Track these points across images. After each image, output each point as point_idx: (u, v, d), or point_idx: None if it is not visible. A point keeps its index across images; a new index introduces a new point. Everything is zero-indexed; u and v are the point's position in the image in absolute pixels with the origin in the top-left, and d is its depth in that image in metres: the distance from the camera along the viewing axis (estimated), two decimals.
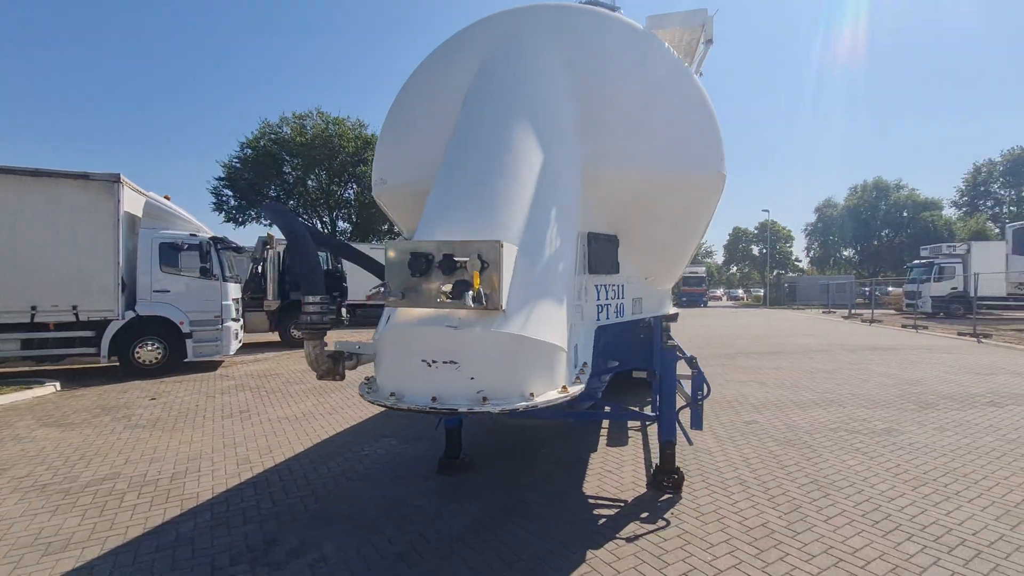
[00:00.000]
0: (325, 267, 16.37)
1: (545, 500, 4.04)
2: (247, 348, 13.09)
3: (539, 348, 1.96)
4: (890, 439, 5.56)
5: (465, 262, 1.85)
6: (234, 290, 11.25)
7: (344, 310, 16.38)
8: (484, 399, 1.86)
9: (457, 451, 4.69)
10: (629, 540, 3.39)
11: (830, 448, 5.25)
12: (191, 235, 10.49)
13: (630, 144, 3.19)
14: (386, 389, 1.98)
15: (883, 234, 57.82)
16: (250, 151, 33.42)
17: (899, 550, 3.24)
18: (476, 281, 1.80)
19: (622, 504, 3.97)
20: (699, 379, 4.27)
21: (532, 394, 1.89)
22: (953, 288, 26.43)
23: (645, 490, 4.24)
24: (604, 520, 3.71)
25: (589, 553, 3.22)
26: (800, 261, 66.84)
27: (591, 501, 4.05)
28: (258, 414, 6.83)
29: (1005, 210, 56.36)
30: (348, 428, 6.15)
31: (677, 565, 3.07)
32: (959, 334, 16.98)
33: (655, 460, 4.93)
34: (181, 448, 5.38)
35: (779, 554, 3.20)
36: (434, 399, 1.88)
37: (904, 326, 20.53)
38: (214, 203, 35.04)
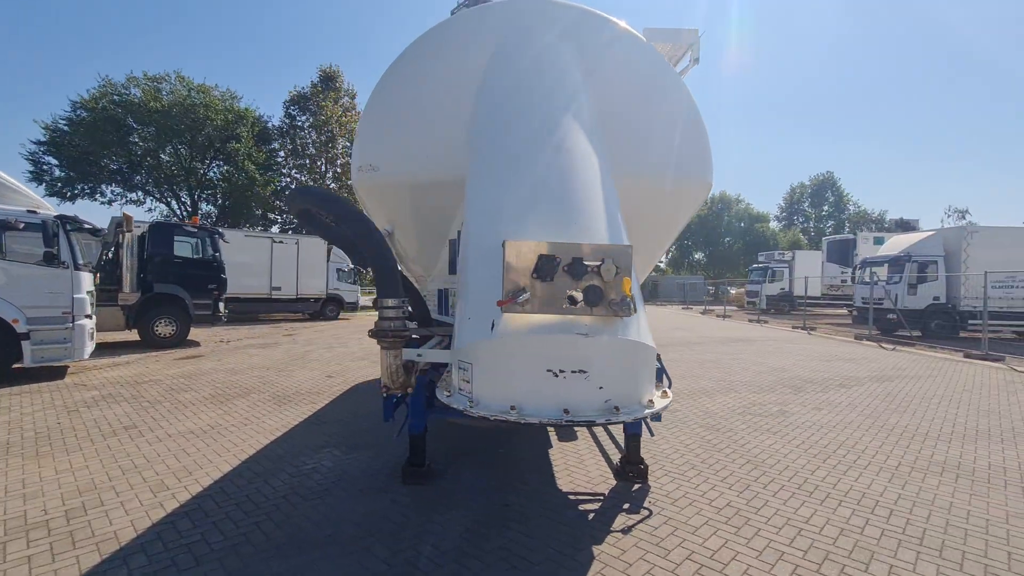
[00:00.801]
0: (198, 255, 14.33)
1: (527, 501, 4.01)
2: (99, 349, 10.93)
3: (650, 354, 1.94)
4: (786, 419, 6.49)
5: (596, 266, 1.75)
6: (88, 281, 9.32)
7: (222, 305, 14.53)
8: (616, 408, 1.80)
9: (422, 458, 4.44)
10: (624, 532, 3.52)
11: (746, 430, 5.97)
12: (29, 211, 8.47)
13: (638, 153, 3.30)
14: (500, 402, 1.78)
15: (726, 240, 67.11)
16: (85, 113, 27.68)
17: (838, 515, 3.81)
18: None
19: (601, 497, 4.11)
20: (660, 372, 4.58)
21: (651, 401, 1.87)
22: (782, 289, 31.67)
23: (615, 481, 4.44)
24: (592, 515, 3.80)
25: (595, 549, 3.28)
26: (661, 262, 74.76)
27: (572, 498, 4.12)
28: (151, 430, 5.76)
29: (812, 225, 69.12)
30: (274, 440, 5.48)
31: (677, 551, 3.27)
32: (793, 327, 20.37)
33: (609, 451, 5.19)
34: (63, 478, 4.34)
35: (753, 530, 3.57)
36: (566, 411, 1.76)
37: (751, 320, 24.01)
38: (31, 172, 28.53)
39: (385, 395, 4.74)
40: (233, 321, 19.41)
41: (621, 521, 3.70)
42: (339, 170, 34.71)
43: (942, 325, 17.08)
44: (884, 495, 4.19)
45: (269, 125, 35.57)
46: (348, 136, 34.53)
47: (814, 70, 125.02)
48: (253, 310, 21.98)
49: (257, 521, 3.62)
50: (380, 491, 4.16)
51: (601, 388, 1.77)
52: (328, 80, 35.22)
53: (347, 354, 11.88)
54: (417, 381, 4.52)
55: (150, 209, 32.63)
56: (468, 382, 1.82)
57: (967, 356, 12.47)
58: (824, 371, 10.16)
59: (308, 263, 23.41)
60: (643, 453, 5.02)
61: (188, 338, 13.63)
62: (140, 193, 31.61)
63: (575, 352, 1.74)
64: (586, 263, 1.72)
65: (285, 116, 35.87)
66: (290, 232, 29.59)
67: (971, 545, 3.40)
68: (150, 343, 12.70)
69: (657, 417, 4.70)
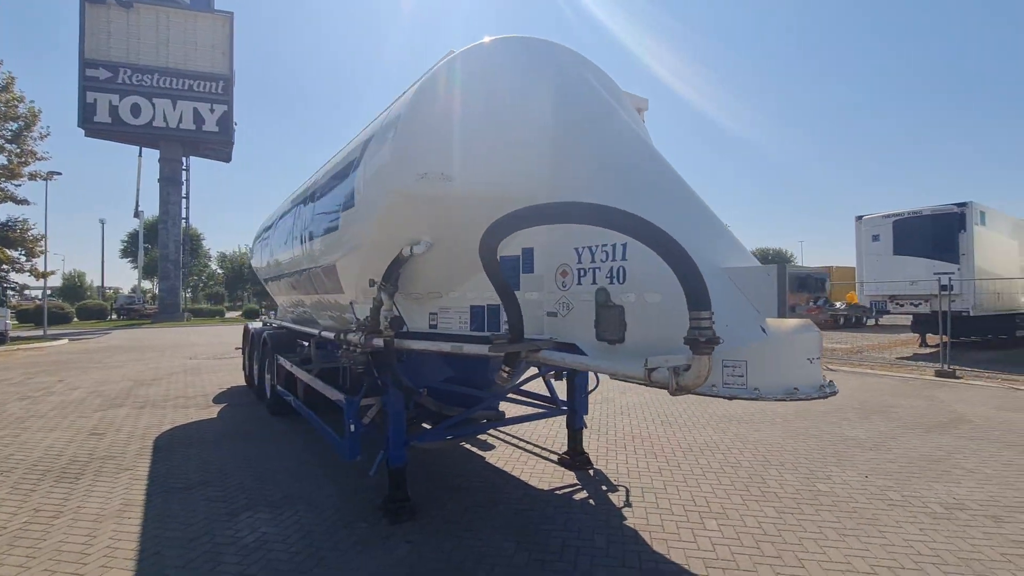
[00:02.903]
0: None
1: (530, 507, 4.19)
2: None
3: None
4: (615, 405, 8.22)
5: (822, 282, 2.39)
6: None
7: None
8: (831, 381, 2.43)
9: (405, 491, 4.08)
10: (629, 506, 4.18)
11: (603, 417, 7.36)
12: None
13: None
14: (781, 388, 2.21)
15: None
16: None
17: (719, 460, 5.35)
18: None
19: (579, 486, 4.64)
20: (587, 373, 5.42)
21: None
22: None
23: (570, 472, 5.01)
24: (593, 502, 4.31)
25: (627, 525, 3.84)
26: None
27: (559, 493, 4.51)
28: None
29: None
30: (139, 525, 3.94)
31: (677, 507, 4.13)
32: None
33: (530, 449, 5.72)
34: None
35: (695, 481, 4.73)
36: (822, 387, 2.32)
37: None
38: None
39: (341, 427, 4.14)
40: None
41: (616, 499, 4.34)
42: None
43: None
44: (723, 441, 6.03)
45: None
46: (3, 117, 23.39)
47: None
48: None
49: None
50: (380, 539, 3.67)
51: (820, 369, 2.47)
52: None
53: (72, 403, 8.57)
54: (391, 410, 4.15)
55: None
56: (740, 376, 2.23)
57: None
58: None
59: None
60: (557, 447, 5.75)
61: None
62: None
63: (816, 344, 2.41)
64: (817, 279, 2.42)
65: None
66: None
67: (785, 458, 5.38)
68: None
69: (585, 409, 5.54)
